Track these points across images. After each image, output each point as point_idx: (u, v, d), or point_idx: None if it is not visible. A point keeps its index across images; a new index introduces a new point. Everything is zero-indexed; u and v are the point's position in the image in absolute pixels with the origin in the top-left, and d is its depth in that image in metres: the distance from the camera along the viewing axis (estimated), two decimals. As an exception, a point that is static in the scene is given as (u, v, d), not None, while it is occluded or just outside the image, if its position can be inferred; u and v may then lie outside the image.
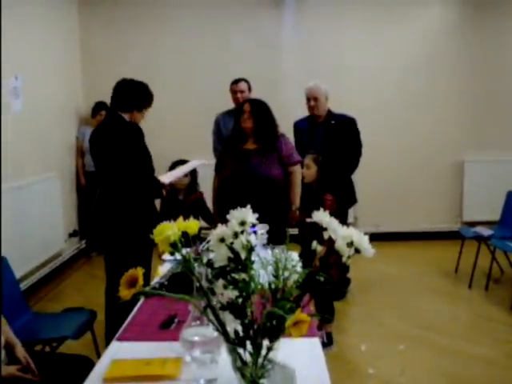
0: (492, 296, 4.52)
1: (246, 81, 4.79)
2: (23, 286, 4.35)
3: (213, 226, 3.50)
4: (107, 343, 2.30)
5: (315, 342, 1.76)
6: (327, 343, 3.55)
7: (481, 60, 6.27)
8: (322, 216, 1.25)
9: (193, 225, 1.28)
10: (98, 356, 2.87)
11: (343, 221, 3.54)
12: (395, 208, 6.43)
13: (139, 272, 1.15)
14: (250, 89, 4.77)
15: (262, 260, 1.23)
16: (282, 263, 1.22)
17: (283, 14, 6.24)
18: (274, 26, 6.26)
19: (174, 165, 3.92)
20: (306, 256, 1.32)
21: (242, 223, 1.24)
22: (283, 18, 6.25)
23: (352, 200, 4.44)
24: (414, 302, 4.47)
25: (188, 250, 1.28)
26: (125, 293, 1.14)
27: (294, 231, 3.67)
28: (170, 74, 6.22)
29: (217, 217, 3.66)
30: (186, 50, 6.28)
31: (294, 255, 1.33)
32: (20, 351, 2.01)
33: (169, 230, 1.21)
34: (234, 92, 4.75)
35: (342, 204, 4.01)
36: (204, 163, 3.73)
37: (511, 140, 6.35)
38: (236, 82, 4.77)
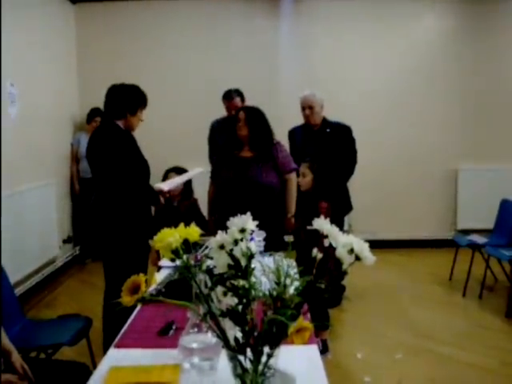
0: (486, 304, 4.53)
1: (239, 93, 4.73)
2: (17, 292, 4.31)
3: (208, 232, 3.48)
4: (105, 350, 2.29)
5: (313, 349, 1.76)
6: (323, 350, 3.54)
7: (475, 70, 6.32)
8: (322, 223, 1.26)
9: (193, 231, 1.28)
10: (94, 363, 2.86)
11: (339, 228, 3.54)
12: (389, 216, 6.45)
13: (142, 278, 1.15)
14: (243, 100, 4.71)
15: (263, 267, 1.24)
16: (284, 270, 1.23)
17: (280, 23, 6.28)
18: (271, 36, 6.30)
19: (168, 172, 3.91)
20: (303, 263, 1.32)
21: (242, 230, 1.25)
22: (280, 27, 6.29)
23: (347, 207, 4.44)
24: (408, 309, 4.48)
25: (187, 256, 1.28)
26: (127, 299, 1.14)
27: (289, 238, 3.70)
28: (167, 80, 6.23)
29: (212, 224, 3.65)
30: (182, 56, 6.31)
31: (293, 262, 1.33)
32: (16, 358, 1.99)
33: (170, 236, 1.21)
34: (227, 108, 4.70)
35: (338, 211, 4.01)
36: (202, 172, 3.70)
37: (505, 149, 6.41)
38: (228, 97, 4.69)
